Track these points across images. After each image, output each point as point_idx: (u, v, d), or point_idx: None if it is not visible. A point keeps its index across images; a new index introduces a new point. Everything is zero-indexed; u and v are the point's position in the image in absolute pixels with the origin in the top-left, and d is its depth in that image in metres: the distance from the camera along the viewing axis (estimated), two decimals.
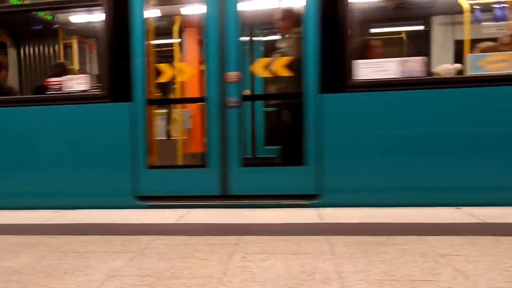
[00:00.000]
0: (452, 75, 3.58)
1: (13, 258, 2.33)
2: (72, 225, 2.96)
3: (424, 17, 6.05)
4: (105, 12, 3.32)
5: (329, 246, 2.37)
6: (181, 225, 2.76)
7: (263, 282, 1.86)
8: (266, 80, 3.98)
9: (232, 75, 3.25)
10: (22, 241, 2.66)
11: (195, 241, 2.54)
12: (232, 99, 3.23)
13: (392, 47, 6.12)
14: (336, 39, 3.08)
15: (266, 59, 3.57)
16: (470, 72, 3.11)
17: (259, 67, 3.43)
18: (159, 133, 4.73)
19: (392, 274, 1.91)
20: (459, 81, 3.25)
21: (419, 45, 6.33)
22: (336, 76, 3.08)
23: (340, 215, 2.87)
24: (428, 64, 3.38)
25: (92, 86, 3.47)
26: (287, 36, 3.79)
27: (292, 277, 1.90)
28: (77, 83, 3.50)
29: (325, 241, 2.47)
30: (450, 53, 5.81)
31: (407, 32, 6.38)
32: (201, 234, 2.67)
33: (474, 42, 4.20)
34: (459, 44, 5.33)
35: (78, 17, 5.76)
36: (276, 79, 3.55)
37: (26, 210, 3.32)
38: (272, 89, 3.83)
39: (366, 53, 3.47)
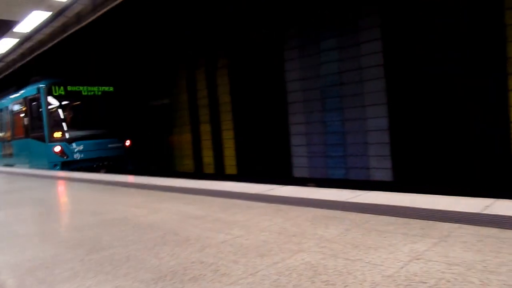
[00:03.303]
0: None
1: (324, 228, 2.68)
2: (369, 205, 3.17)
3: None
4: None
5: None
6: (488, 215, 2.46)
7: None
8: None
9: None
10: (329, 214, 3.04)
11: (509, 235, 2.21)
12: None
13: None
14: None
15: None
16: None
17: None
18: None
19: None
20: None
21: None
22: None
23: None
24: None
25: None
26: None
27: None
28: None
29: None
30: None
31: None
32: None
33: None
34: None
35: None
36: None
37: (331, 188, 3.79)
38: None
39: None
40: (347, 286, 1.73)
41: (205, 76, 11.70)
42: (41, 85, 11.29)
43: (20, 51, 13.89)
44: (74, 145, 11.19)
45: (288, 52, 9.16)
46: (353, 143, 8.02)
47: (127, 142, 12.59)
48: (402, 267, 1.88)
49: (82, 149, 11.22)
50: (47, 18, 9.92)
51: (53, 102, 11.31)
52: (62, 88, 11.35)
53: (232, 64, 10.78)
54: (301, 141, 9.08)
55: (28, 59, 13.80)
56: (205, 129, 11.94)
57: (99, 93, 12.16)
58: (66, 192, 6.11)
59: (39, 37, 12.42)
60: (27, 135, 12.25)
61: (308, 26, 8.67)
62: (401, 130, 7.25)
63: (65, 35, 11.38)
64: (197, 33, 11.40)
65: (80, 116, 11.86)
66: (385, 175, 7.49)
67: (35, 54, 13.22)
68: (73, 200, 5.11)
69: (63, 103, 11.51)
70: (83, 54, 14.44)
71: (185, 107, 12.68)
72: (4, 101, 14.00)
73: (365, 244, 2.27)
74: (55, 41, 11.97)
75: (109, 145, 11.81)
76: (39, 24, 10.25)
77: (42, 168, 11.33)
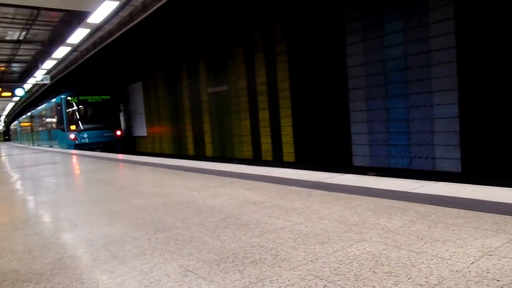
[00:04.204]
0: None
1: (386, 218, 2.60)
2: (435, 196, 3.01)
3: None
4: None
5: None
6: None
7: None
8: None
9: None
10: (393, 205, 2.94)
11: None
12: None
13: None
14: None
15: None
16: None
17: None
18: None
19: None
20: None
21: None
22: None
23: None
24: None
25: None
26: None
27: None
28: None
29: None
30: None
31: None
32: None
33: None
34: None
35: None
36: None
37: (393, 178, 3.65)
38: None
39: None
40: (411, 278, 1.67)
41: (264, 62, 11.70)
42: (62, 96, 19.13)
43: (91, 40, 14.80)
44: (82, 134, 18.99)
45: (350, 36, 8.88)
46: (418, 132, 7.63)
47: (118, 132, 20.11)
48: (472, 263, 1.78)
49: (87, 136, 19.08)
50: (115, 8, 10.43)
51: (70, 107, 19.24)
52: (75, 98, 19.25)
53: (291, 49, 10.67)
54: (362, 129, 8.81)
55: (99, 47, 14.67)
56: (264, 116, 12.01)
57: (100, 100, 19.92)
58: (129, 174, 6.48)
59: (108, 27, 13.12)
60: (56, 127, 20.69)
61: (371, 7, 8.32)
62: (473, 118, 6.76)
63: (131, 24, 11.90)
64: (256, 18, 11.40)
65: (87, 115, 19.83)
66: (453, 166, 7.06)
67: (106, 43, 14.00)
68: (138, 182, 5.41)
69: (76, 107, 19.43)
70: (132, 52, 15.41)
71: (243, 93, 12.82)
72: (46, 105, 23.08)
73: (431, 237, 2.17)
74: (122, 31, 12.56)
75: (104, 134, 19.50)
76: (108, 14, 10.83)
77: (63, 148, 19.04)
